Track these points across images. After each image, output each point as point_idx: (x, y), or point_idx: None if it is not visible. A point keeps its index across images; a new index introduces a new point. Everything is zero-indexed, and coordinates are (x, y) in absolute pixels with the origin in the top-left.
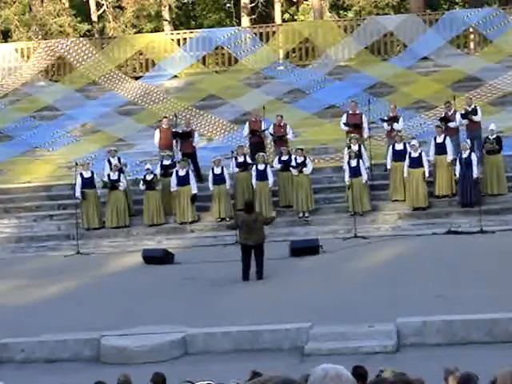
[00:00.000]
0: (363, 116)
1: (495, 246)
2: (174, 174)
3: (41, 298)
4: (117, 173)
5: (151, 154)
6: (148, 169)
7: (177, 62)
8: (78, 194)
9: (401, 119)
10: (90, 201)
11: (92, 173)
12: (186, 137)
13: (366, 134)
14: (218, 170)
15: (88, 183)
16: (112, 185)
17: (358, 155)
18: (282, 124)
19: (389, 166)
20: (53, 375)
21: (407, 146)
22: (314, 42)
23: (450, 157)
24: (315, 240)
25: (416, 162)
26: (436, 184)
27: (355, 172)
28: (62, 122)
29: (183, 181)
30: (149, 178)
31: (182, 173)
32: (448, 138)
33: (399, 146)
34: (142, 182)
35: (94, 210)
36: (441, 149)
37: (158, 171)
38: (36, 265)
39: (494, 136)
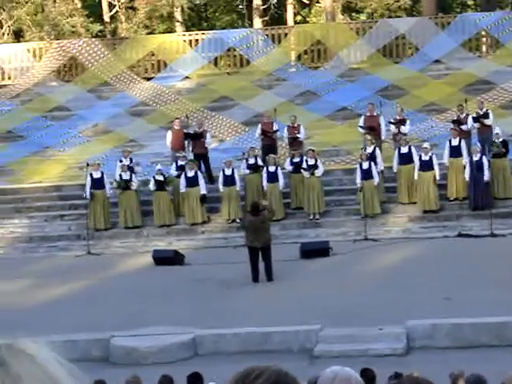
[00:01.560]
0: (380, 118)
1: (506, 249)
2: (182, 175)
3: (51, 298)
4: (128, 172)
5: (162, 155)
6: (159, 169)
7: (188, 63)
8: (87, 194)
9: (408, 122)
10: (97, 201)
11: (102, 173)
12: (198, 137)
13: (383, 136)
14: (228, 172)
15: (97, 184)
16: (126, 185)
17: (370, 157)
18: (296, 125)
19: (395, 170)
20: None
21: (413, 148)
22: (325, 44)
23: (466, 159)
24: (325, 242)
25: (426, 165)
26: (449, 187)
27: (367, 174)
28: (73, 123)
29: (192, 182)
30: (159, 178)
31: (190, 174)
32: (463, 141)
33: (404, 150)
34: (152, 182)
35: (102, 211)
36: (456, 151)
37: (173, 172)
38: (46, 265)
39: (501, 139)
